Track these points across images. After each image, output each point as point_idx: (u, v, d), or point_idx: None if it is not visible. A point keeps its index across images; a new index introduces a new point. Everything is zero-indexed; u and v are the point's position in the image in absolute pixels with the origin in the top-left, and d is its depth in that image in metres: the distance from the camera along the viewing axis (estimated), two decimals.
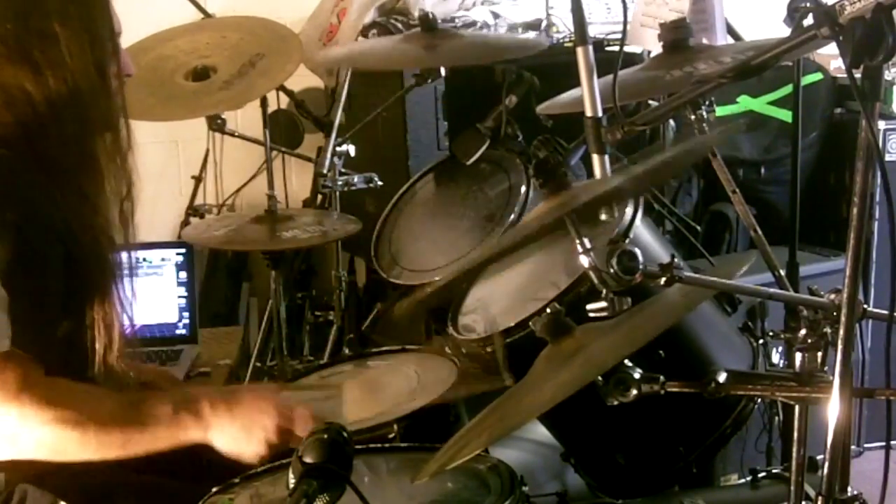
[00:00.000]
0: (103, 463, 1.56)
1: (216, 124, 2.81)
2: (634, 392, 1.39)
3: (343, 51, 2.63)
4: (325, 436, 1.23)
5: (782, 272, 2.06)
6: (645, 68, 2.12)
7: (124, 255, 1.71)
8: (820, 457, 1.26)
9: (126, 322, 1.70)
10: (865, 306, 1.34)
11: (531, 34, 3.45)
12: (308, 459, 1.22)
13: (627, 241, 1.71)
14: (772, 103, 3.48)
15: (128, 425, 1.56)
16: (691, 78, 1.87)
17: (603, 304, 1.40)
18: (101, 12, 1.63)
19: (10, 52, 1.55)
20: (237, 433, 1.59)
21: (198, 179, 3.65)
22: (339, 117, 2.82)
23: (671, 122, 3.29)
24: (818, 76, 3.45)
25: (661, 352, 1.60)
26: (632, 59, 2.49)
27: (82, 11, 1.60)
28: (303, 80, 3.29)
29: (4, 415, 1.48)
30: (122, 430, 1.55)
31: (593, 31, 2.27)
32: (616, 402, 1.40)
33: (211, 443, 1.60)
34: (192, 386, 1.88)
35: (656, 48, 2.20)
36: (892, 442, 1.30)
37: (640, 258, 1.33)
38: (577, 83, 1.83)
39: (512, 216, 2.23)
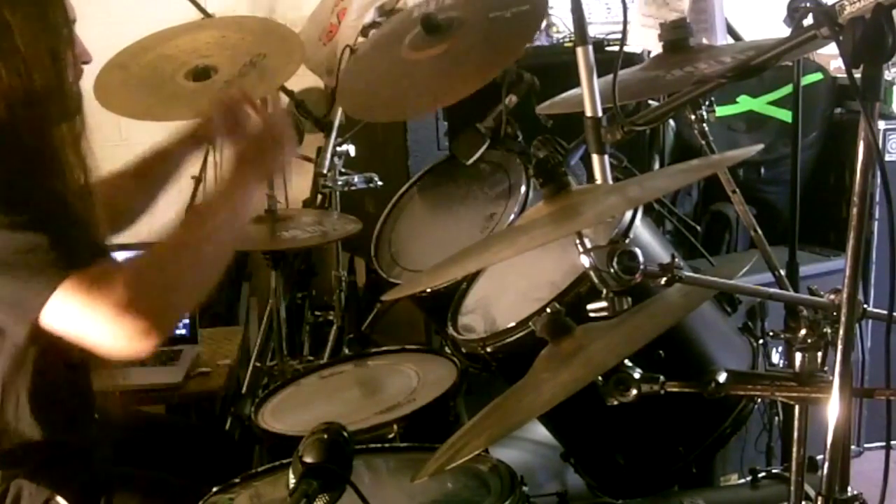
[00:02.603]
0: (101, 456, 1.55)
1: None
2: (634, 392, 1.39)
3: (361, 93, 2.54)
4: (326, 436, 1.24)
5: (782, 272, 2.06)
6: (645, 68, 2.12)
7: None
8: (820, 457, 1.26)
9: None
10: (865, 306, 1.34)
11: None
12: (308, 459, 1.22)
13: (627, 240, 1.71)
14: (772, 103, 3.48)
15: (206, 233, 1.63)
16: (691, 78, 1.87)
17: (603, 304, 1.40)
18: None
19: None
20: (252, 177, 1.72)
21: (198, 179, 3.64)
22: (339, 117, 2.82)
23: (671, 122, 3.31)
24: (818, 76, 3.45)
25: (661, 352, 1.60)
26: (632, 60, 2.49)
27: None
28: (303, 80, 3.29)
29: (135, 297, 1.46)
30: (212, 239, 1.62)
31: (593, 31, 2.27)
32: (616, 402, 1.40)
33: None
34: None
35: (656, 48, 2.20)
36: (892, 442, 1.30)
37: (640, 258, 1.33)
38: (577, 83, 1.83)
39: (512, 216, 2.23)
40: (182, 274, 1.55)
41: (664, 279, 1.34)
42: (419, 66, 2.28)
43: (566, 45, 3.32)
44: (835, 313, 1.33)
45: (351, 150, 2.79)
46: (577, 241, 1.42)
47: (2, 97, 1.53)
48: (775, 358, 2.58)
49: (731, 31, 2.80)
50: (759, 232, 2.02)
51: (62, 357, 1.57)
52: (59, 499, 1.61)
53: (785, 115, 3.41)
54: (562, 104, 2.18)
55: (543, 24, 3.52)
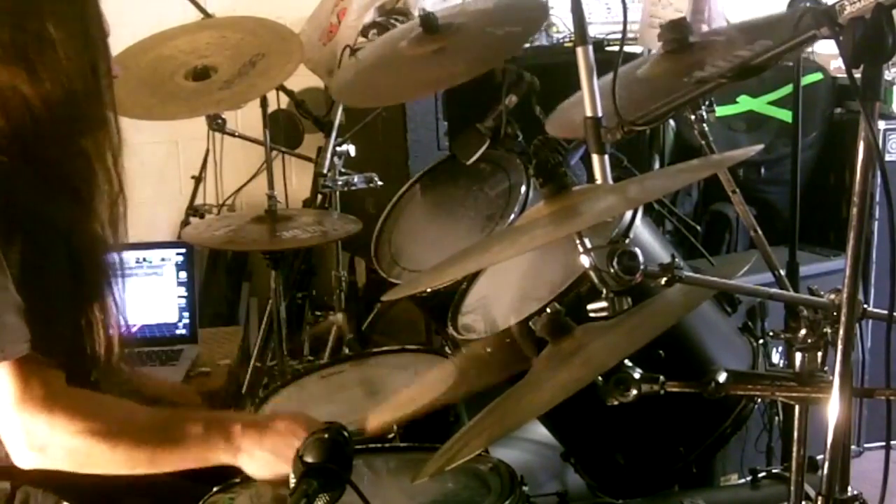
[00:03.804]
0: None
1: (216, 124, 2.82)
2: (634, 392, 1.39)
3: (352, 80, 2.56)
4: (326, 436, 1.24)
5: (782, 272, 2.06)
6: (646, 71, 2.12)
7: (118, 257, 1.71)
8: (820, 457, 1.26)
9: (122, 323, 1.70)
10: (865, 306, 1.34)
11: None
12: (308, 459, 1.22)
13: (627, 240, 1.71)
14: (772, 103, 3.48)
15: (158, 443, 1.56)
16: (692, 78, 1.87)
17: (603, 304, 1.40)
18: (93, 12, 1.64)
19: (6, 55, 1.55)
20: (266, 458, 1.58)
21: (198, 179, 3.65)
22: (339, 117, 2.82)
23: (671, 122, 3.31)
24: (818, 76, 3.45)
25: (661, 352, 1.60)
26: (632, 60, 2.48)
27: (76, 12, 1.60)
28: (303, 80, 3.29)
29: (34, 424, 1.48)
30: (152, 448, 1.56)
31: (593, 31, 2.27)
32: (616, 402, 1.40)
33: (239, 466, 1.59)
34: (226, 411, 1.90)
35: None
36: (892, 442, 1.30)
37: (641, 258, 1.33)
38: (577, 83, 1.83)
39: (512, 216, 2.23)
40: (109, 458, 1.53)
41: (664, 279, 1.34)
42: (413, 59, 2.34)
43: (566, 45, 3.32)
44: (835, 313, 1.33)
45: (351, 150, 2.79)
46: (577, 241, 1.42)
47: (45, 107, 1.57)
48: (775, 358, 2.58)
49: None
50: (759, 232, 2.02)
51: (72, 370, 1.58)
52: None
53: (785, 115, 3.41)
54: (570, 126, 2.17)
55: (543, 24, 3.52)
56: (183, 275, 2.75)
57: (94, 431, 1.51)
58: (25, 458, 1.52)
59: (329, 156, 2.77)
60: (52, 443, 1.50)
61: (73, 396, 1.52)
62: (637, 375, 1.39)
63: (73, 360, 1.59)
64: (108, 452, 1.52)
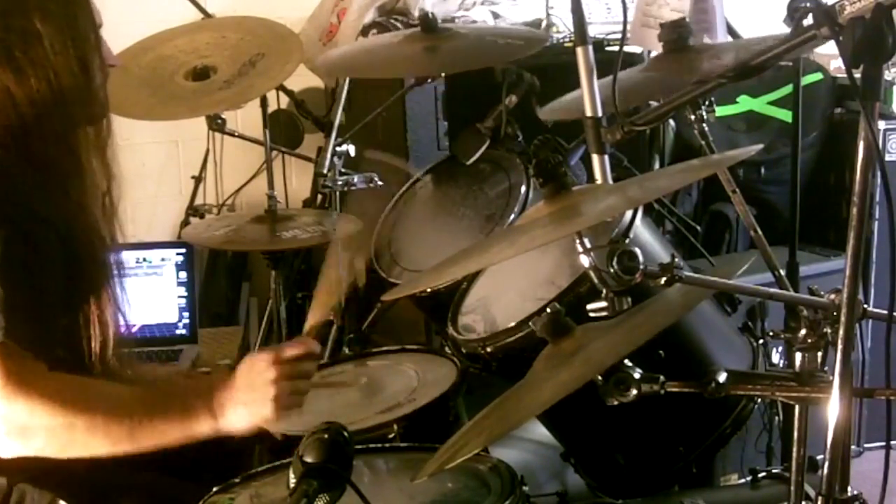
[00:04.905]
0: (104, 460, 1.55)
1: (216, 124, 2.82)
2: (634, 392, 1.39)
3: (341, 55, 2.59)
4: (326, 436, 1.24)
5: (782, 272, 2.06)
6: (645, 70, 2.12)
7: (115, 254, 1.70)
8: (820, 457, 1.26)
9: (121, 321, 1.70)
10: (865, 306, 1.34)
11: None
12: (308, 459, 1.22)
13: (627, 240, 1.71)
14: (772, 103, 3.48)
15: (137, 415, 1.53)
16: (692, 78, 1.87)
17: (603, 303, 1.40)
18: (81, 6, 1.62)
19: None
20: (249, 404, 1.56)
21: (198, 179, 3.65)
22: (339, 117, 2.82)
23: (671, 122, 3.31)
24: (818, 76, 3.45)
25: (661, 352, 1.60)
26: (632, 60, 2.49)
27: (63, 7, 1.59)
28: (303, 80, 3.29)
29: (12, 408, 1.47)
30: (131, 420, 1.53)
31: (593, 31, 2.27)
32: (616, 402, 1.40)
33: (230, 430, 1.57)
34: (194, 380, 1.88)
35: (657, 48, 2.20)
36: (892, 442, 1.30)
37: (641, 258, 1.33)
38: (577, 83, 1.83)
39: (512, 216, 2.23)
40: (90, 437, 1.51)
41: (664, 279, 1.34)
42: (402, 50, 2.37)
43: (566, 45, 3.32)
44: (835, 313, 1.33)
45: (351, 150, 2.79)
46: (577, 241, 1.42)
47: (30, 104, 1.55)
48: (775, 358, 2.58)
49: (731, 32, 2.80)
50: (759, 232, 2.02)
51: (69, 367, 1.58)
52: (61, 502, 1.61)
53: (785, 115, 3.41)
54: (564, 110, 2.18)
55: (543, 24, 3.52)
56: (183, 275, 2.75)
57: (73, 410, 1.49)
58: (6, 446, 1.50)
59: (329, 156, 2.77)
60: (32, 425, 1.48)
61: (49, 380, 1.50)
62: (637, 375, 1.39)
63: (69, 357, 1.59)
64: (88, 430, 1.50)
